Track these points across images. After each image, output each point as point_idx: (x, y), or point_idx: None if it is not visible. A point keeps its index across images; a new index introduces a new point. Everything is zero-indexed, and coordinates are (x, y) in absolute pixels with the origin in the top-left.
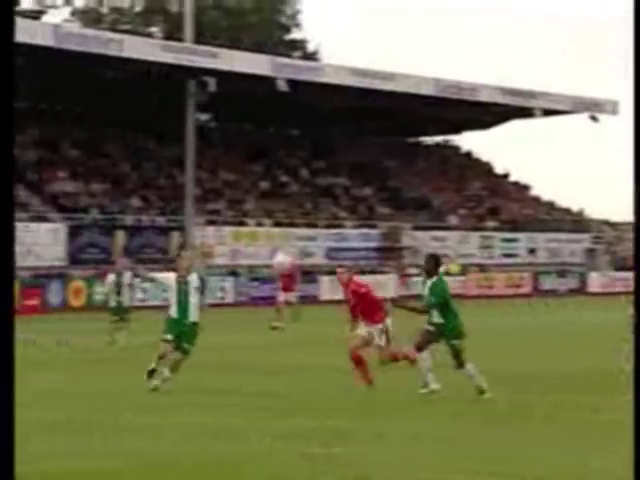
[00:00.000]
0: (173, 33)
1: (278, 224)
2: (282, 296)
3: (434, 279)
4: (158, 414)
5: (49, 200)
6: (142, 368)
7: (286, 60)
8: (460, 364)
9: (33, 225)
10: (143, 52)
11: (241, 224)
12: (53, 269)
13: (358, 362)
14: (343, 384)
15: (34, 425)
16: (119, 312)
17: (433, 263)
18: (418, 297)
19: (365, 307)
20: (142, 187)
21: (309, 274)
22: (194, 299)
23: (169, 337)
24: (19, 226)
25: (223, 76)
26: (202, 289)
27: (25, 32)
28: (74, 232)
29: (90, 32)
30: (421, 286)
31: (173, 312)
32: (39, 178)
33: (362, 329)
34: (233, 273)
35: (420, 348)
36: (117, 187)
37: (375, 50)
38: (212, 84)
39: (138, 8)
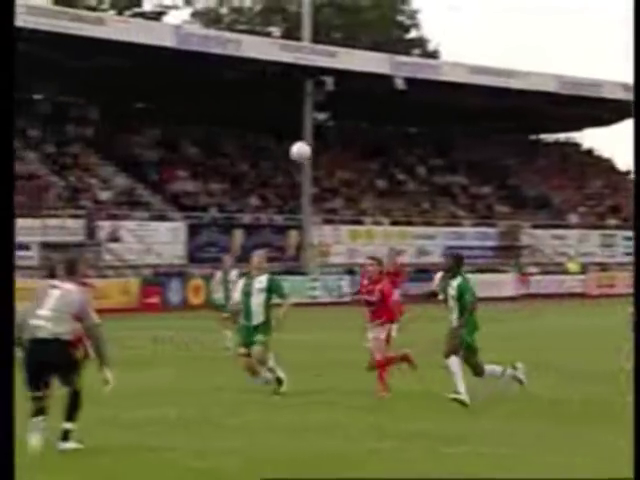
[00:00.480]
0: (292, 32)
1: (395, 223)
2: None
3: (458, 280)
4: (259, 412)
5: (170, 199)
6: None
7: (404, 58)
8: (477, 371)
9: (154, 224)
10: (261, 52)
11: (358, 223)
12: (173, 267)
13: (407, 359)
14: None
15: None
16: (227, 309)
17: (454, 263)
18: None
19: (384, 307)
20: (260, 186)
21: (426, 272)
22: (256, 299)
23: (243, 351)
24: (140, 225)
25: (341, 75)
26: (275, 289)
27: (147, 33)
28: (194, 231)
29: (210, 32)
30: (440, 283)
31: (242, 317)
32: (160, 178)
33: (373, 332)
34: (350, 272)
35: (447, 355)
36: (236, 186)
37: (493, 49)
38: (330, 83)
39: (258, 7)
